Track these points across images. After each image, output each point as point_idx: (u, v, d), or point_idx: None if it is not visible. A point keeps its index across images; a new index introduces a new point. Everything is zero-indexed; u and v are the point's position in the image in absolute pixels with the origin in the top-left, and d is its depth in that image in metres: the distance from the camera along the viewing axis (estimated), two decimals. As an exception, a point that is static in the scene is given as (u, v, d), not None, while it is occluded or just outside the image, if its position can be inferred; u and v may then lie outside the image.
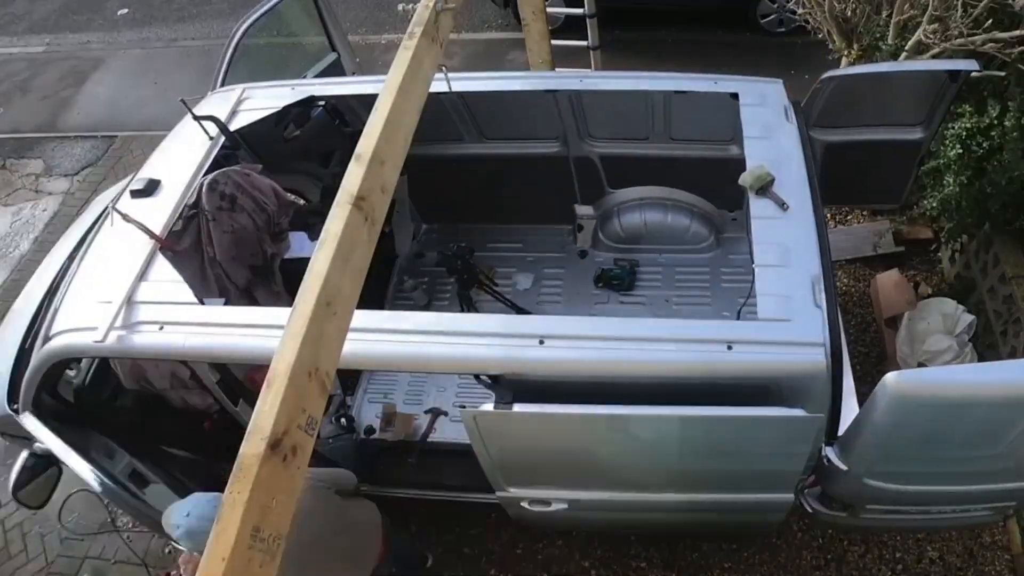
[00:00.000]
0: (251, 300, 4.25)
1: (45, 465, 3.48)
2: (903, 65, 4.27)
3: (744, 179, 3.20)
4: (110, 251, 3.61)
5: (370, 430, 4.49)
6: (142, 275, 3.34)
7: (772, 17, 7.39)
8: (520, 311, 4.61)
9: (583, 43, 5.77)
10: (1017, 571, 4.07)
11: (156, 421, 4.12)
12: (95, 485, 3.56)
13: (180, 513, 2.93)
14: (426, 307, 5.00)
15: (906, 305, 4.82)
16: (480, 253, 5.21)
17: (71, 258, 4.03)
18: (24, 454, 3.45)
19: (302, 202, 4.93)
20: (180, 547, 3.15)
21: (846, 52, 4.98)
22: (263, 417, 1.69)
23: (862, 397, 2.77)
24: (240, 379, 3.74)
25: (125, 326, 3.14)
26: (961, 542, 4.19)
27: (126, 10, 9.69)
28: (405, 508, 4.62)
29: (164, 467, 3.86)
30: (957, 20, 4.03)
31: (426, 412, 4.49)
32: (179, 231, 3.83)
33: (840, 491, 3.22)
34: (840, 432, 2.88)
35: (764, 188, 3.15)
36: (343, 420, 4.46)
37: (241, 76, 4.50)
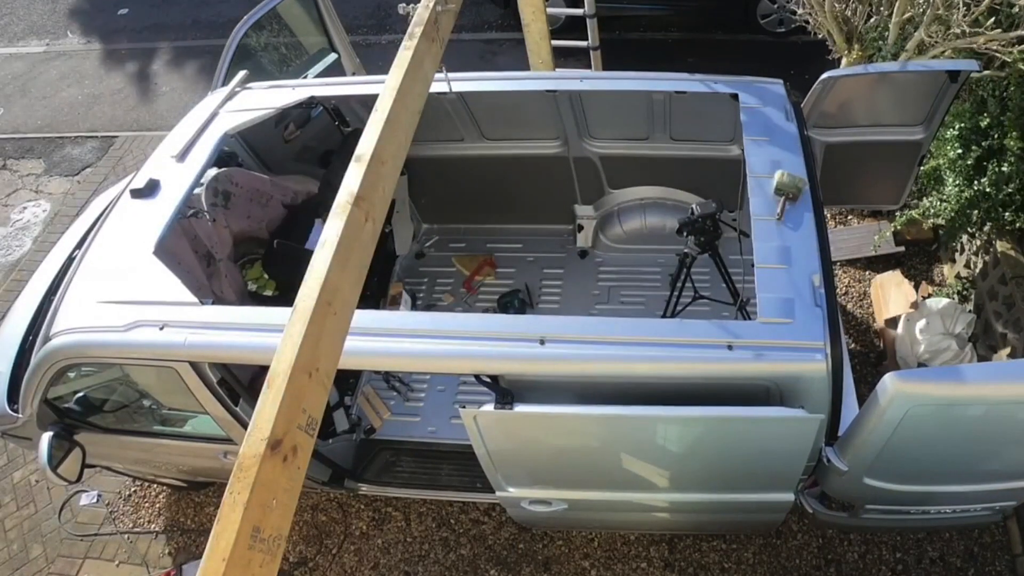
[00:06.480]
0: (252, 299, 4.25)
1: (70, 445, 3.72)
2: (903, 66, 4.27)
3: (778, 179, 3.14)
4: (110, 251, 3.62)
5: (370, 430, 4.49)
6: (142, 275, 3.35)
7: (772, 17, 7.39)
8: None
9: (583, 43, 5.77)
10: (1017, 571, 4.07)
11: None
12: None
13: None
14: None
15: (906, 305, 4.82)
16: (480, 253, 5.22)
17: (71, 258, 4.02)
18: (48, 435, 3.61)
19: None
20: None
21: (847, 52, 4.98)
22: (263, 417, 1.69)
23: (862, 397, 2.77)
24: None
25: (126, 326, 3.15)
26: (961, 542, 4.19)
27: (126, 10, 9.69)
28: (405, 505, 4.63)
29: None
30: (959, 19, 4.03)
31: None
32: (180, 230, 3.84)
33: (840, 491, 3.22)
34: (840, 432, 2.88)
35: (791, 195, 3.11)
36: (343, 420, 4.46)
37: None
